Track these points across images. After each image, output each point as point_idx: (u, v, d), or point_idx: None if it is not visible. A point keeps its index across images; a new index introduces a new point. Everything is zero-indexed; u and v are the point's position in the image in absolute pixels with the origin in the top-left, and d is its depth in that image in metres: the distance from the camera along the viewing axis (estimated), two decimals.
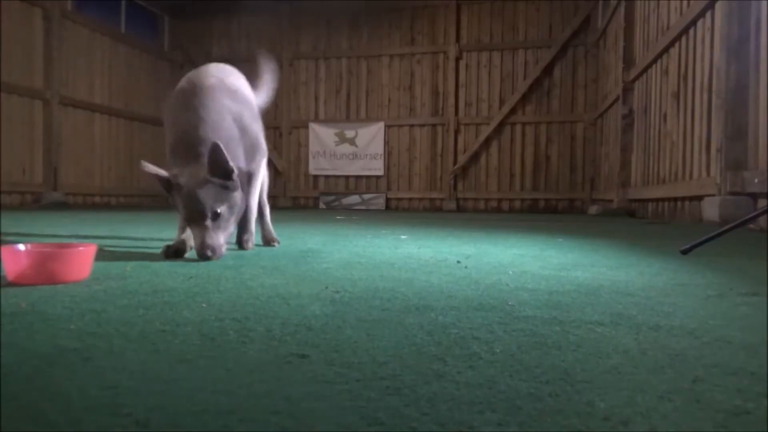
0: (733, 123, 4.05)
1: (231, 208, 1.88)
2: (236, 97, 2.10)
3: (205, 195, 1.81)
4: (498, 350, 0.82)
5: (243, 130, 2.05)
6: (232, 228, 1.97)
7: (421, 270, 1.69)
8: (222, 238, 1.86)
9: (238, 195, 1.91)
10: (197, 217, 1.82)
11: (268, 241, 2.44)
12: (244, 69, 2.36)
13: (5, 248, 1.34)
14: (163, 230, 3.31)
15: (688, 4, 5.02)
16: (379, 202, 10.55)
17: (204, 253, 1.79)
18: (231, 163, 1.84)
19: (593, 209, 8.33)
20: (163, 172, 1.87)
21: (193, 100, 1.98)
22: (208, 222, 1.82)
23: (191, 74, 2.16)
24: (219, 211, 1.83)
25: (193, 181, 1.82)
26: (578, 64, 9.88)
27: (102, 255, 1.86)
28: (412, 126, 10.58)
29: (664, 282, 1.50)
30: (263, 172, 2.31)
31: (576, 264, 1.88)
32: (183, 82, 2.13)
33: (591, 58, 9.74)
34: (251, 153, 2.11)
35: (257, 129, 2.19)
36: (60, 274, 1.33)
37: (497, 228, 4.12)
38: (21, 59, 8.13)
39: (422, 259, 1.97)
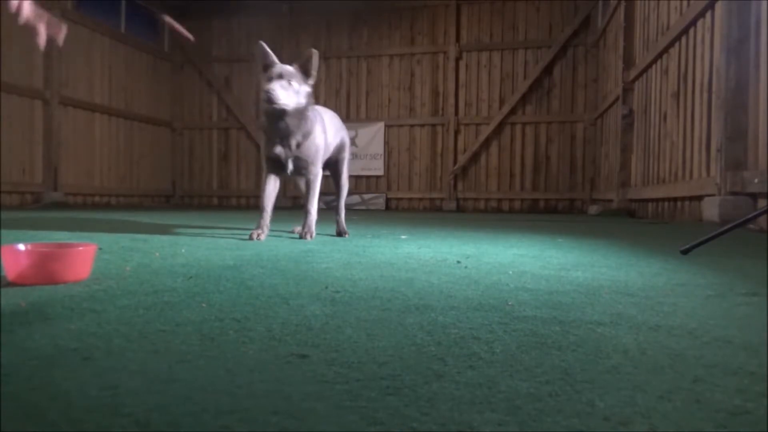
0: (733, 123, 4.05)
1: (298, 91, 2.65)
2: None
3: (291, 71, 2.65)
4: (498, 350, 0.82)
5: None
6: (293, 102, 2.63)
7: (421, 270, 1.69)
8: (284, 94, 2.58)
9: (305, 92, 2.68)
10: (278, 78, 2.60)
11: (338, 233, 3.15)
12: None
13: (5, 248, 1.34)
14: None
15: (688, 4, 5.02)
16: (379, 202, 10.55)
17: (268, 91, 2.55)
18: (315, 72, 2.70)
19: (593, 209, 8.33)
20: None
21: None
22: (284, 81, 2.60)
23: None
24: (292, 82, 2.62)
25: (289, 68, 2.68)
26: (578, 64, 9.88)
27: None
28: (412, 126, 10.58)
29: (664, 282, 1.50)
30: (319, 184, 2.98)
31: (576, 264, 1.88)
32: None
33: (591, 58, 9.73)
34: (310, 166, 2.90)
35: (319, 156, 2.91)
36: (60, 274, 1.33)
37: (497, 228, 4.12)
38: (21, 59, 8.13)
39: (422, 259, 1.97)
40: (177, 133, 11.61)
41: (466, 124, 10.32)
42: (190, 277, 1.46)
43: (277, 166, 2.85)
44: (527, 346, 0.85)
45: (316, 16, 10.89)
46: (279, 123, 2.68)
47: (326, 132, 2.96)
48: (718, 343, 0.88)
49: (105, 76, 9.84)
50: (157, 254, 1.97)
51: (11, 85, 7.90)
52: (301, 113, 2.70)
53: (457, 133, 10.31)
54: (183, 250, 2.12)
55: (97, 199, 9.72)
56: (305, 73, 2.69)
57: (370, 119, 10.74)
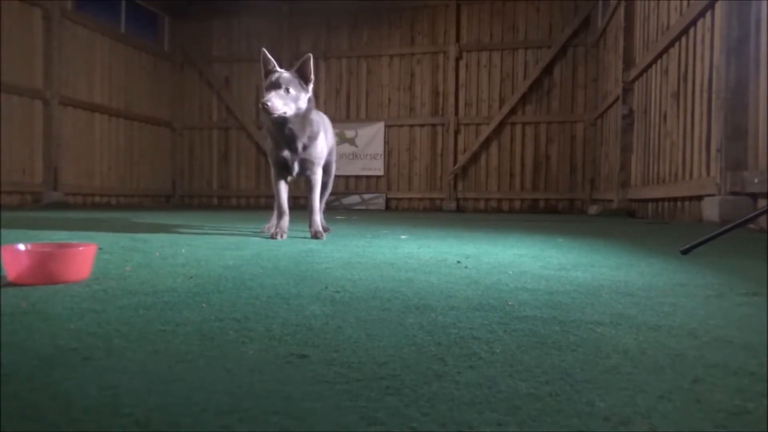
0: (733, 123, 4.05)
1: (296, 98, 2.67)
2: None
3: (288, 78, 2.65)
4: (498, 350, 0.82)
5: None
6: (292, 109, 2.65)
7: (421, 270, 1.69)
8: (280, 103, 2.60)
9: (305, 97, 2.71)
10: (275, 87, 2.62)
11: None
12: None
13: (5, 248, 1.34)
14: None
15: (688, 4, 5.02)
16: (379, 202, 10.55)
17: (264, 102, 2.56)
18: (312, 76, 2.71)
19: (593, 209, 8.33)
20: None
21: None
22: (281, 90, 2.61)
23: None
24: (289, 89, 2.63)
25: (287, 75, 2.68)
26: (578, 64, 9.88)
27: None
28: (412, 126, 10.58)
29: (664, 282, 1.50)
30: (320, 185, 3.02)
31: (576, 264, 1.88)
32: None
33: (591, 58, 9.73)
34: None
35: (323, 159, 3.01)
36: (60, 274, 1.33)
37: (497, 228, 4.12)
38: (21, 59, 8.13)
39: (422, 259, 1.97)
40: (177, 133, 11.60)
41: (466, 124, 10.32)
42: (190, 277, 1.46)
43: (283, 168, 2.91)
44: (527, 346, 0.85)
45: (316, 16, 10.89)
46: (283, 129, 2.74)
47: (327, 137, 3.08)
48: (718, 343, 0.88)
49: (105, 76, 9.83)
50: (157, 254, 1.97)
51: (11, 85, 7.90)
52: (303, 117, 2.74)
53: (457, 133, 10.31)
54: (183, 250, 2.12)
55: (97, 199, 9.71)
56: (303, 78, 2.71)
57: (370, 119, 10.74)
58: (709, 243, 2.11)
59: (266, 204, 11.09)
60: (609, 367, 0.75)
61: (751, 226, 3.58)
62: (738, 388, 0.67)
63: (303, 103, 2.70)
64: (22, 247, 1.40)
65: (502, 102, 10.14)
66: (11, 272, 1.32)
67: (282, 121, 2.70)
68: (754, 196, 3.86)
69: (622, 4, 7.34)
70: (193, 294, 1.23)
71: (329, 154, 3.28)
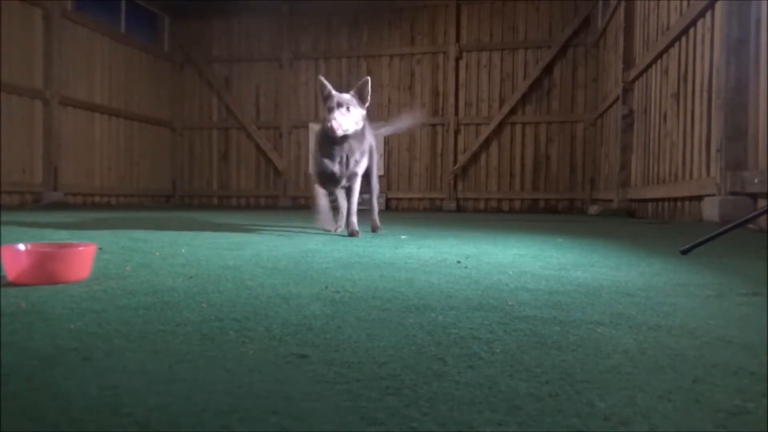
0: (733, 123, 4.05)
1: (356, 115, 2.92)
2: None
3: (348, 99, 2.92)
4: (498, 350, 0.82)
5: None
6: (351, 128, 2.91)
7: (421, 270, 1.69)
8: (345, 121, 2.85)
9: (361, 115, 2.96)
10: (338, 107, 2.86)
11: (373, 228, 3.59)
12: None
13: (5, 248, 1.34)
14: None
15: (688, 4, 5.02)
16: (379, 202, 10.54)
17: (330, 122, 2.81)
18: (369, 96, 2.98)
19: (593, 209, 8.33)
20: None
21: None
22: (342, 109, 2.85)
23: None
24: (350, 108, 2.88)
25: (347, 96, 2.95)
26: (578, 64, 9.87)
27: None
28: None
29: (664, 282, 1.50)
30: (357, 186, 3.30)
31: (576, 264, 1.88)
32: None
33: (591, 58, 9.73)
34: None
35: (364, 168, 3.28)
36: (60, 274, 1.33)
37: (497, 228, 4.12)
38: (21, 59, 8.13)
39: (422, 259, 1.97)
40: (177, 133, 11.60)
41: (466, 124, 10.31)
42: (190, 277, 1.46)
43: (330, 181, 3.11)
44: (527, 346, 0.85)
45: (316, 16, 10.88)
46: (342, 145, 2.96)
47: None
48: (718, 343, 0.89)
49: (105, 76, 9.83)
50: (157, 254, 1.97)
51: (11, 85, 7.90)
52: (359, 135, 2.99)
53: (457, 133, 10.31)
54: (183, 250, 2.12)
55: (97, 199, 9.71)
56: (361, 98, 2.95)
57: (369, 119, 10.72)
58: (709, 243, 2.11)
59: (266, 204, 11.10)
60: (609, 367, 0.75)
61: (751, 226, 3.58)
62: (738, 388, 0.67)
63: (361, 122, 2.96)
64: (22, 247, 1.40)
65: (502, 102, 10.14)
66: (11, 272, 1.32)
67: (342, 139, 2.91)
68: (754, 196, 3.86)
69: (622, 4, 7.33)
70: (193, 294, 1.23)
71: (370, 157, 3.47)
